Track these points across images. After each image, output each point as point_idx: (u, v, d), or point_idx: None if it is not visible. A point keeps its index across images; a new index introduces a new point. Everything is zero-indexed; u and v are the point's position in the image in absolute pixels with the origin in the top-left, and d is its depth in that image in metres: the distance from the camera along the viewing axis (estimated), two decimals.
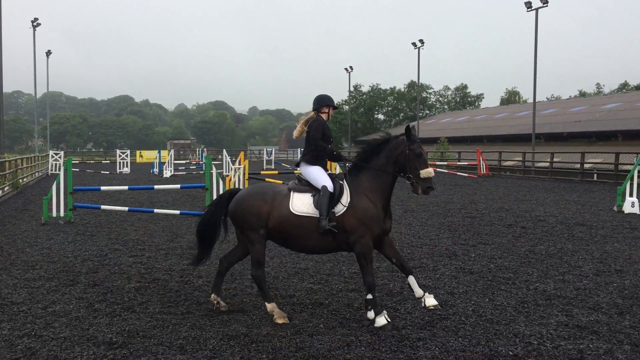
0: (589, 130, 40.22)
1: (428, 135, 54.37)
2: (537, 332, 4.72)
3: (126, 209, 12.09)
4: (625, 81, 75.90)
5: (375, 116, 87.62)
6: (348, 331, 4.79)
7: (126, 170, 34.76)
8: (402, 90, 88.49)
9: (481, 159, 27.45)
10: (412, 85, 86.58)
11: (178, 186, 13.75)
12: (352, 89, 77.78)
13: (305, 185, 5.34)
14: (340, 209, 5.09)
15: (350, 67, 60.00)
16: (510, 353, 4.27)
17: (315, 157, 5.50)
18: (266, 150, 45.92)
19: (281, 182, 18.73)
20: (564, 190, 19.09)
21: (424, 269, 7.08)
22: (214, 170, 12.30)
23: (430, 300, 5.01)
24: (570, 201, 15.11)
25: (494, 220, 11.39)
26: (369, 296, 4.98)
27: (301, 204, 5.15)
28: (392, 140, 5.34)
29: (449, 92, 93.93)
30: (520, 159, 30.85)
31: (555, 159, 27.58)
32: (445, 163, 32.09)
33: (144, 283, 6.46)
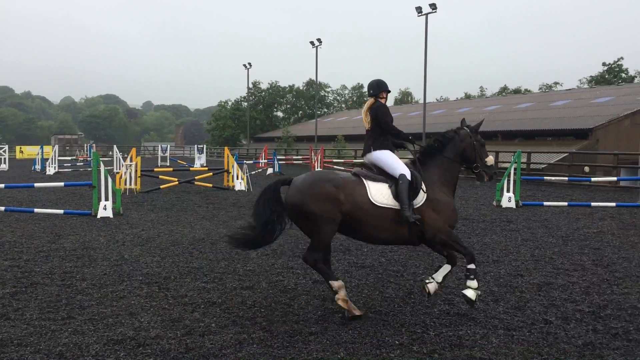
0: None
1: (326, 134, 55.30)
2: (422, 321, 4.97)
3: (2, 208, 11.16)
4: (505, 85, 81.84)
5: (275, 113, 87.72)
6: (241, 329, 4.76)
7: (4, 167, 32.08)
8: (301, 88, 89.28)
9: None
10: (310, 83, 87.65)
11: (62, 184, 12.92)
12: (251, 85, 77.18)
13: (378, 174, 5.16)
14: (419, 200, 4.99)
15: (249, 64, 59.54)
16: (397, 342, 4.46)
17: (385, 142, 5.34)
18: (161, 147, 44.36)
19: (177, 180, 18.20)
20: None
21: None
22: (102, 167, 11.69)
23: (431, 286, 5.11)
24: (456, 197, 16.03)
25: None
26: (471, 266, 4.99)
27: (380, 194, 4.96)
28: (457, 133, 5.48)
29: (346, 91, 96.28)
30: (412, 156, 32.30)
31: None
32: (343, 160, 32.81)
33: (21, 288, 6.00)
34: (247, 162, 25.30)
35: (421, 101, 43.79)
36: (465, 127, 5.64)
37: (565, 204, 13.35)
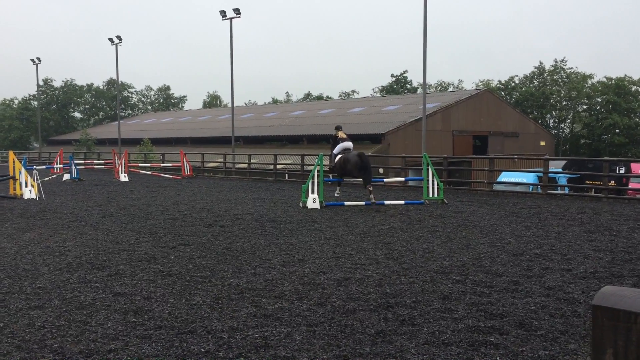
0: (280, 135, 44.49)
1: (131, 136, 52.55)
2: (229, 325, 4.99)
3: None
4: (309, 91, 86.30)
5: (71, 114, 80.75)
6: (27, 355, 4.27)
7: None
8: (101, 87, 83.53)
9: (185, 160, 27.76)
10: (111, 82, 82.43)
11: None
12: (41, 82, 69.95)
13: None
14: None
15: (38, 59, 53.89)
16: (202, 350, 4.41)
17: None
18: None
19: None
20: (260, 189, 20.67)
21: (120, 276, 6.79)
22: None
23: None
24: (265, 199, 16.44)
25: (195, 221, 11.62)
26: None
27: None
28: None
29: (152, 93, 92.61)
30: (222, 160, 32.27)
31: (252, 161, 29.67)
32: (149, 165, 31.47)
33: None
34: (39, 167, 22.84)
35: (230, 105, 43.96)
36: None
37: (363, 203, 14.51)
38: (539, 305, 5.58)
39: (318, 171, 14.27)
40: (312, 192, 14.19)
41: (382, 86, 75.08)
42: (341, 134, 15.67)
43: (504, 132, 45.51)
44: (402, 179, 19.46)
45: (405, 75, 71.47)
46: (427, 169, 14.96)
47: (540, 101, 64.94)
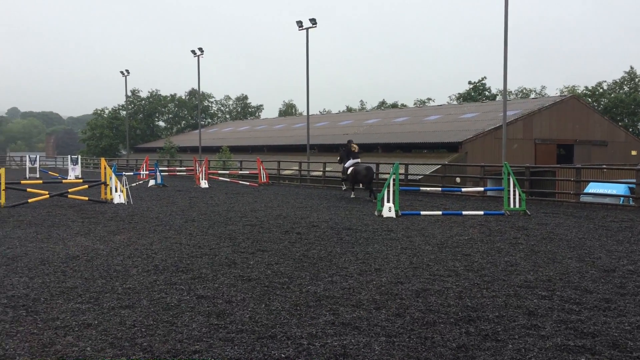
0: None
1: (210, 144, 54.40)
2: (308, 332, 5.03)
3: None
4: (383, 99, 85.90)
5: (156, 123, 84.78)
6: (119, 352, 4.50)
7: None
8: (184, 97, 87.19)
9: (261, 167, 28.38)
10: (193, 93, 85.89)
11: None
12: (129, 93, 73.95)
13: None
14: None
15: (127, 71, 57.03)
16: (283, 356, 4.47)
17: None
18: (29, 157, 40.95)
19: (47, 193, 16.88)
20: (335, 197, 20.76)
21: (203, 279, 7.03)
22: None
23: None
24: (340, 207, 16.49)
25: (272, 228, 11.84)
26: None
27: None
28: None
29: (230, 102, 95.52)
30: (297, 168, 32.71)
31: (327, 169, 29.86)
32: (228, 172, 32.44)
33: None
34: (127, 173, 24.11)
35: (305, 113, 44.56)
36: None
37: (440, 213, 14.23)
38: (634, 325, 5.24)
39: (394, 180, 14.15)
40: (388, 201, 14.08)
41: (459, 93, 73.48)
42: (354, 147, 18.72)
43: (591, 141, 43.20)
44: (481, 188, 18.90)
45: (483, 82, 69.59)
46: (508, 179, 14.46)
47: (631, 108, 61.18)
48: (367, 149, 43.10)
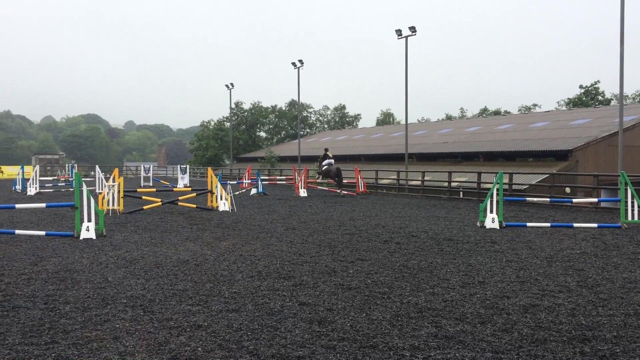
0: (455, 151, 43.42)
1: (309, 154, 55.46)
2: (410, 344, 4.96)
3: None
4: (485, 106, 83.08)
5: (257, 133, 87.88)
6: (227, 353, 4.70)
7: None
8: (284, 108, 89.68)
9: (359, 177, 28.48)
10: (292, 104, 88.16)
11: (44, 205, 12.73)
12: (233, 105, 77.36)
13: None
14: None
15: (231, 84, 59.72)
16: None
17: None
18: (144, 167, 44.01)
19: (160, 200, 18.04)
20: (434, 207, 20.36)
21: (304, 286, 7.17)
22: (84, 188, 11.55)
23: None
24: (440, 217, 16.15)
25: (371, 237, 11.84)
26: None
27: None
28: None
29: (329, 112, 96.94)
30: (395, 177, 32.47)
31: (426, 178, 29.39)
32: (326, 181, 32.87)
33: (2, 312, 5.87)
34: (231, 182, 25.18)
35: (403, 122, 44.16)
36: None
37: (548, 224, 13.50)
38: None
39: (497, 189, 13.63)
40: (491, 212, 13.58)
41: (568, 99, 69.47)
42: (329, 154, 26.37)
43: None
44: (595, 199, 17.69)
45: (596, 86, 65.30)
46: (625, 189, 13.42)
47: None
48: (467, 157, 41.83)
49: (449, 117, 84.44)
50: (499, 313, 5.96)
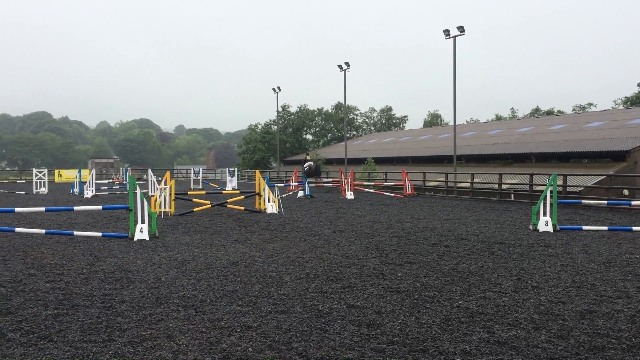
0: (505, 153, 42.41)
1: (355, 156, 55.37)
2: (461, 349, 4.88)
3: (43, 231, 11.44)
4: (537, 106, 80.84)
5: (304, 136, 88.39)
6: (277, 354, 4.74)
7: (43, 190, 33.00)
8: (330, 111, 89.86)
9: (406, 179, 28.22)
10: (339, 106, 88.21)
11: (100, 207, 13.20)
12: (280, 109, 78.10)
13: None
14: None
15: (278, 88, 60.28)
16: None
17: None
18: (194, 170, 44.99)
19: (209, 203, 18.41)
20: (484, 209, 19.95)
21: (352, 289, 7.15)
22: (138, 191, 11.92)
23: None
24: (490, 220, 15.81)
25: (419, 240, 11.71)
26: None
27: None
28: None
29: (375, 114, 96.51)
30: (443, 179, 32.00)
31: (475, 180, 28.83)
32: (373, 183, 32.73)
33: (62, 310, 6.12)
34: (278, 185, 25.46)
35: (451, 123, 43.49)
36: None
37: (605, 228, 13.01)
38: None
39: (551, 191, 13.23)
40: (545, 214, 13.19)
41: (625, 97, 66.77)
42: (308, 157, 33.29)
43: None
44: None
45: None
46: None
47: None
48: (518, 158, 40.81)
49: (498, 118, 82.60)
50: (554, 319, 5.78)
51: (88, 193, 28.09)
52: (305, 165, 31.62)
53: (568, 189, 23.01)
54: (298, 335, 5.28)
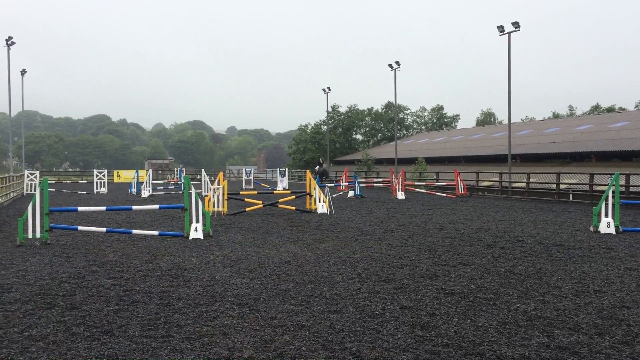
0: (563, 152, 41.02)
1: (406, 156, 54.86)
2: (520, 353, 4.74)
3: (104, 229, 11.90)
4: (597, 103, 77.79)
5: (354, 136, 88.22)
6: (331, 354, 4.75)
7: (103, 190, 34.29)
8: (380, 110, 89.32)
9: (459, 179, 27.72)
10: (389, 105, 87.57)
11: (156, 206, 13.59)
12: (330, 109, 78.27)
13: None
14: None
15: (328, 88, 60.40)
16: None
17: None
18: (245, 170, 45.68)
19: (261, 203, 18.66)
20: (541, 210, 19.36)
21: (405, 290, 7.08)
22: (192, 191, 12.20)
23: None
24: (548, 221, 15.32)
25: (473, 241, 11.47)
26: None
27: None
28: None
29: (426, 113, 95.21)
30: (497, 179, 31.24)
31: (531, 180, 28.00)
32: (424, 183, 32.32)
33: (123, 305, 6.34)
34: (328, 185, 25.48)
35: (505, 121, 42.43)
36: None
37: None
38: None
39: (613, 192, 12.69)
40: (606, 216, 12.67)
41: None
42: (321, 161, 33.81)
43: None
44: None
45: None
46: None
47: None
48: (577, 158, 39.41)
49: (555, 116, 79.95)
50: (618, 324, 5.54)
51: (145, 193, 28.99)
52: (316, 168, 34.62)
53: (631, 189, 22.00)
54: (351, 335, 5.27)
